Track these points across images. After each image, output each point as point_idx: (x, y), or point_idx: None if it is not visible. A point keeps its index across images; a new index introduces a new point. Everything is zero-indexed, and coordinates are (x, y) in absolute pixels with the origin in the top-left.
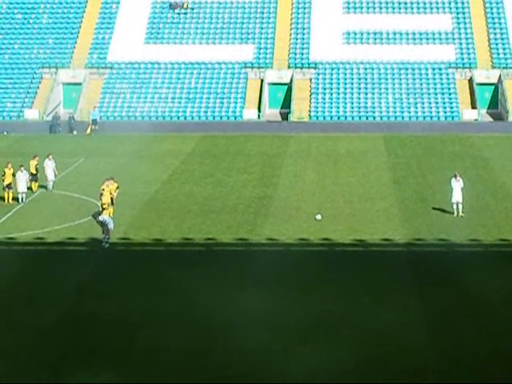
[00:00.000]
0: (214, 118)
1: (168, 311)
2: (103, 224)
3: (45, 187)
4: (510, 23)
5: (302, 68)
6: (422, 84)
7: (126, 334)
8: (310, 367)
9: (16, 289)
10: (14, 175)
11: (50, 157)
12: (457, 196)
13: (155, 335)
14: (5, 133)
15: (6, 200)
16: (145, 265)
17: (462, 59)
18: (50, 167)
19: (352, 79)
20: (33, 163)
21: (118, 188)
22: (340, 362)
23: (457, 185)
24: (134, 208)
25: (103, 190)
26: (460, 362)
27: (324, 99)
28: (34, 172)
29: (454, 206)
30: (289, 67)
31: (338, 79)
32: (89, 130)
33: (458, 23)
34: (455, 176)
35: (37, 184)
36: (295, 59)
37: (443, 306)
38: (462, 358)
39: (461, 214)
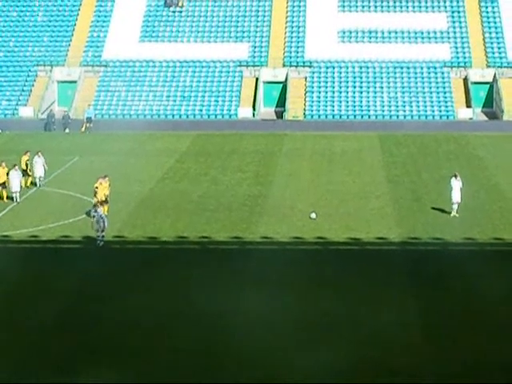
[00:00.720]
0: (208, 116)
1: (164, 310)
2: (100, 219)
3: (35, 184)
4: (504, 22)
5: (297, 66)
6: (416, 83)
7: (123, 332)
8: (308, 367)
9: (12, 287)
10: (8, 174)
11: (40, 154)
12: (457, 196)
13: (153, 334)
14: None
15: (0, 198)
16: (140, 263)
17: (457, 58)
18: (38, 164)
19: (347, 78)
20: (24, 159)
21: (109, 186)
22: (337, 361)
23: (456, 184)
24: (128, 206)
25: (97, 187)
26: (457, 361)
27: (319, 98)
28: (24, 167)
29: (454, 206)
30: (284, 66)
31: (333, 78)
32: (83, 128)
33: (453, 22)
34: (455, 176)
35: (29, 180)
36: (290, 58)
37: (439, 305)
38: (460, 357)
39: (455, 213)
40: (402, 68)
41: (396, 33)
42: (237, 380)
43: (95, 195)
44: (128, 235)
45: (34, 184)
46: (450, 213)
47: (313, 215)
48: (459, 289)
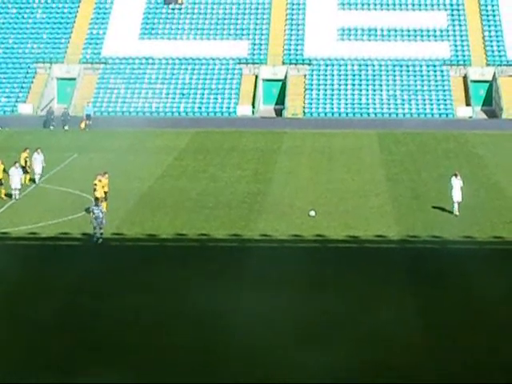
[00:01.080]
0: (208, 113)
1: (163, 308)
2: (100, 215)
3: (33, 180)
4: (504, 20)
5: (296, 64)
6: (416, 81)
7: (122, 330)
8: (308, 366)
9: (11, 285)
10: (5, 171)
11: (39, 150)
12: (457, 195)
13: (152, 332)
14: None
15: None
16: (138, 260)
17: (457, 56)
18: (37, 161)
19: (346, 76)
20: (23, 156)
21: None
22: (337, 361)
23: (457, 183)
24: (127, 203)
25: (95, 184)
26: (457, 361)
27: (318, 95)
28: (23, 164)
29: (455, 205)
30: (283, 63)
31: (333, 75)
32: (83, 125)
33: (453, 20)
34: (455, 175)
35: (28, 177)
36: (289, 55)
37: (438, 304)
38: (459, 356)
39: (456, 213)
40: (401, 66)
41: (396, 31)
42: (236, 379)
43: (94, 192)
44: (127, 232)
45: (32, 181)
46: (450, 211)
47: (312, 213)
48: (458, 287)
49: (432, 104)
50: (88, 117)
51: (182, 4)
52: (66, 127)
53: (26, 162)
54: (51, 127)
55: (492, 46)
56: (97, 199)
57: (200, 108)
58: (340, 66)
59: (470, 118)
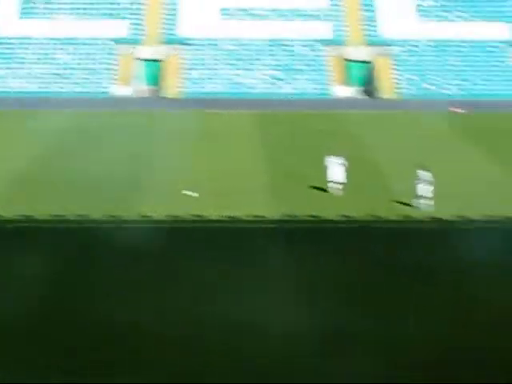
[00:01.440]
0: (85, 94)
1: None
2: None
3: None
4: (381, 2)
5: (174, 44)
6: (295, 61)
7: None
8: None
9: None
10: None
11: None
12: (336, 175)
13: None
14: None
15: None
16: (13, 243)
17: (336, 36)
18: None
19: (226, 55)
20: None
21: None
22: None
23: (334, 163)
24: (1, 185)
25: None
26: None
27: (198, 75)
28: None
29: (333, 185)
30: (161, 43)
31: (213, 55)
32: None
33: (333, 0)
34: (333, 155)
35: None
36: (168, 35)
37: (317, 285)
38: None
39: (334, 192)
40: (281, 46)
41: (275, 11)
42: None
43: None
44: (3, 214)
45: None
46: (329, 191)
47: (190, 193)
48: (341, 268)
49: (310, 84)
50: None
51: None
52: None
53: None
54: None
55: (369, 26)
56: None
57: (77, 88)
58: (220, 45)
59: (348, 97)
